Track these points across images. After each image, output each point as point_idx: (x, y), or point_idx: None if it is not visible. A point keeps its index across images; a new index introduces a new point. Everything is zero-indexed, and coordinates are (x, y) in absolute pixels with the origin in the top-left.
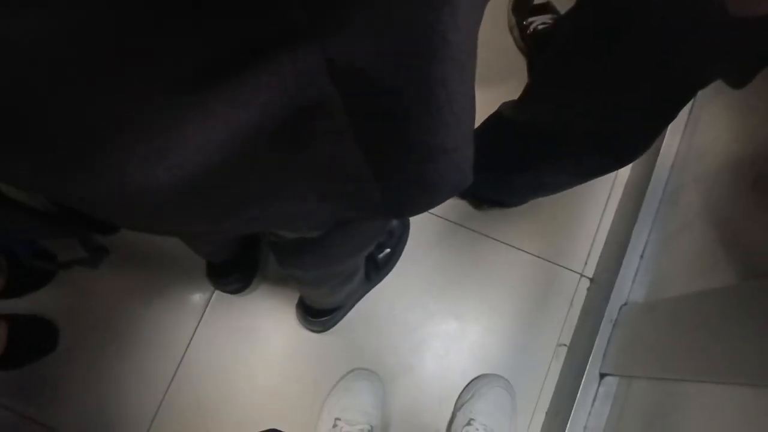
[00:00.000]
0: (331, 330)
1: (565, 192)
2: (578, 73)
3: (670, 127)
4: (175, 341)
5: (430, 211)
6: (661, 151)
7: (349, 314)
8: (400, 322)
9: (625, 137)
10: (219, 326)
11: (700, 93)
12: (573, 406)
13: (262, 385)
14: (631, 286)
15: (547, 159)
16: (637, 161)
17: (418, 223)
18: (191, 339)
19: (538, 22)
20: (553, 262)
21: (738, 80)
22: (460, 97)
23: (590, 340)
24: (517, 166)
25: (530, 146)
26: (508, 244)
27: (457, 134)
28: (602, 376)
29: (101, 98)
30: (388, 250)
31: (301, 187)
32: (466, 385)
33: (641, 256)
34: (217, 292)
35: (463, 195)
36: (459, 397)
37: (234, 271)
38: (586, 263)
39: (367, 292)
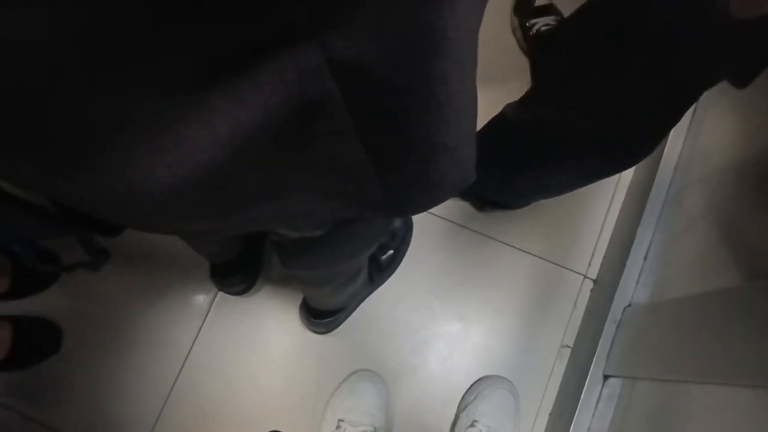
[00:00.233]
0: (334, 331)
1: (568, 193)
2: (581, 76)
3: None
4: (179, 343)
5: (434, 212)
6: (665, 152)
7: (353, 316)
8: (403, 324)
9: (628, 140)
10: (222, 328)
11: (703, 94)
12: (576, 407)
13: (265, 386)
14: (634, 287)
15: (549, 161)
16: (641, 163)
17: (421, 224)
18: (194, 341)
19: (541, 23)
20: (556, 264)
21: (740, 80)
22: (461, 95)
23: (594, 342)
24: (519, 168)
25: (533, 148)
26: (511, 246)
27: (458, 132)
28: (606, 377)
29: (101, 98)
30: (392, 251)
31: (303, 186)
32: (470, 387)
33: (645, 258)
34: (220, 294)
35: (466, 197)
36: (462, 398)
37: (237, 272)
38: (589, 265)
39: (370, 293)
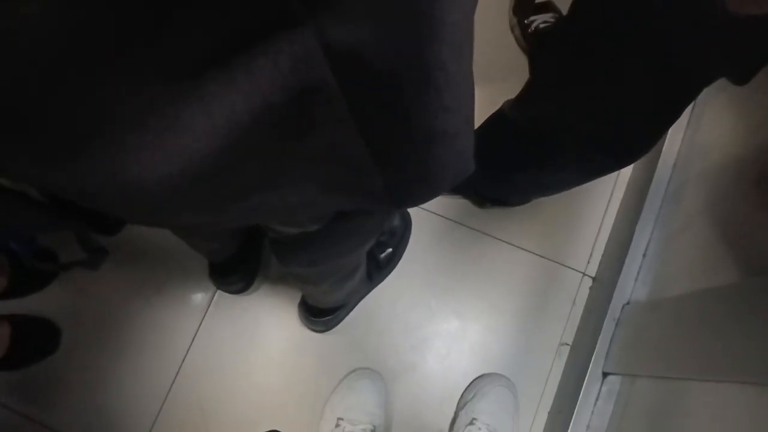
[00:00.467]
0: (333, 330)
1: (567, 191)
2: (581, 75)
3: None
4: (178, 341)
5: (432, 209)
6: (664, 149)
7: (351, 314)
8: (402, 322)
9: (626, 138)
10: (221, 326)
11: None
12: (576, 405)
13: (264, 384)
14: (633, 284)
15: (548, 158)
16: (640, 160)
17: (420, 222)
18: (193, 339)
19: (540, 20)
20: (555, 261)
21: (739, 78)
22: (459, 79)
23: (593, 339)
24: (518, 165)
25: (531, 145)
26: (510, 243)
27: (457, 120)
28: (605, 375)
29: (99, 90)
30: (390, 249)
31: (302, 176)
32: (469, 385)
33: (644, 255)
34: (219, 292)
35: (466, 193)
36: (461, 396)
37: (236, 271)
38: (588, 262)
39: (369, 291)
